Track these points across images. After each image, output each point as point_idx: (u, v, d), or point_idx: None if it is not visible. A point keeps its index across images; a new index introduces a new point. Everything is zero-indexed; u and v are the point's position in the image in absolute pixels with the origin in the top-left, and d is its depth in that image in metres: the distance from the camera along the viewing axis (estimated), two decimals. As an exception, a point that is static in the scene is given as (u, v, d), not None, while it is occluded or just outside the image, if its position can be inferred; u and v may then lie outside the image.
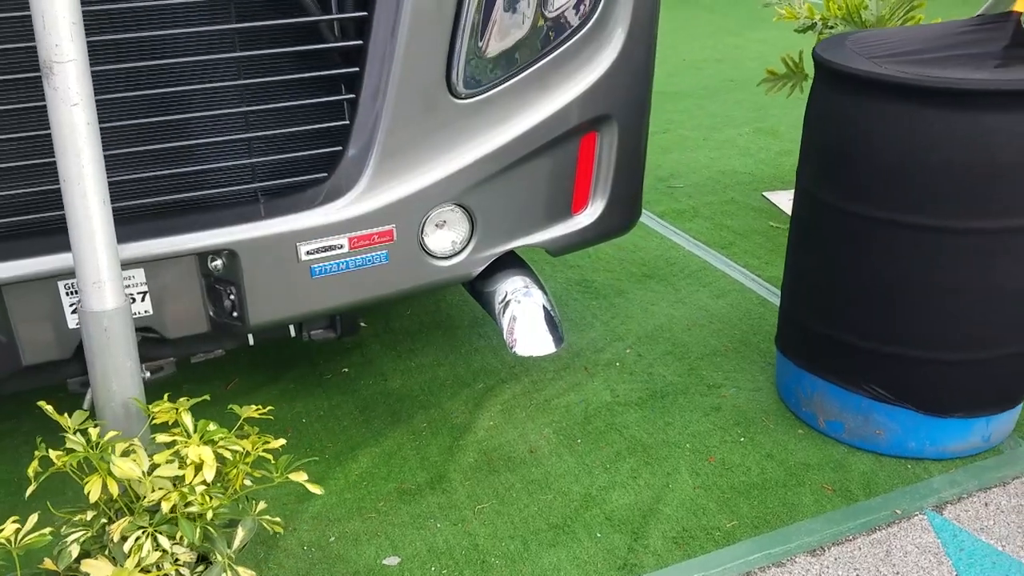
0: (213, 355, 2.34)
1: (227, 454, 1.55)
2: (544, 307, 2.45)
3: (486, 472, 2.50)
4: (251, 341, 2.35)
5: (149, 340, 2.19)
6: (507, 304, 2.44)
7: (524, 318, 2.42)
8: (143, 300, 2.09)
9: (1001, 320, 2.26)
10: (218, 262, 2.08)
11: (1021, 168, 2.07)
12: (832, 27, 3.83)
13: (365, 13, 2.07)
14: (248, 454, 1.57)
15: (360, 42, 2.10)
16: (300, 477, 1.57)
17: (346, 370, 3.01)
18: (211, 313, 2.15)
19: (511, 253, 2.52)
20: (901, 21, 3.52)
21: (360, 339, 3.20)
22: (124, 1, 1.90)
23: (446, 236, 2.34)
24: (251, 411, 1.62)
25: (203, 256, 2.08)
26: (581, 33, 2.30)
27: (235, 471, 1.58)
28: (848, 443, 2.54)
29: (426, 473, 2.50)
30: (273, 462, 1.62)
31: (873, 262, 2.28)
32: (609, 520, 2.31)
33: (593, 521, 2.31)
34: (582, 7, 2.28)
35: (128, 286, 2.07)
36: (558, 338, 2.43)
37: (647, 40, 2.41)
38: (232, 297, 2.11)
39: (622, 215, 2.64)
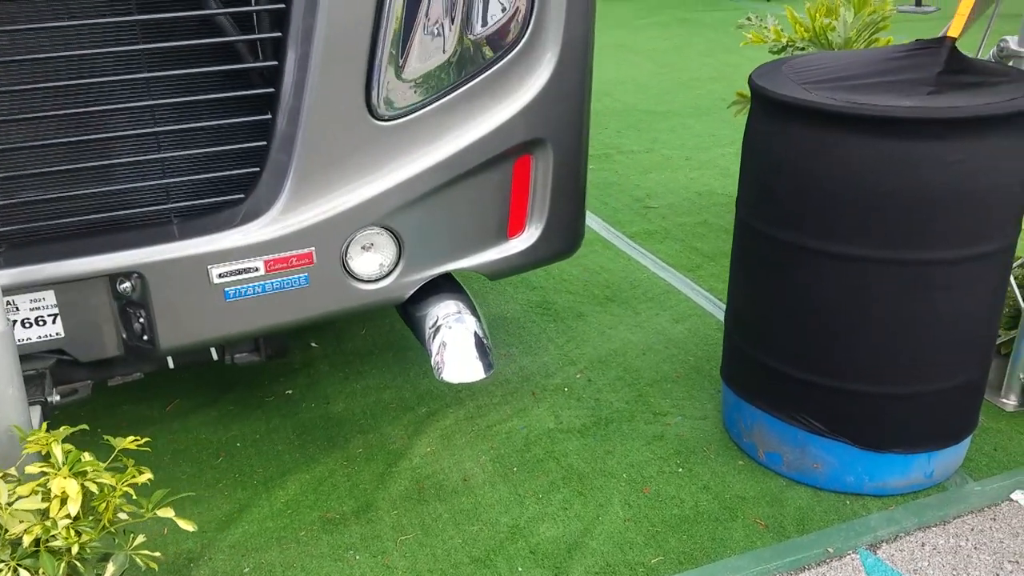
0: (131, 378, 2.31)
1: (93, 488, 1.51)
2: (475, 333, 2.39)
3: (415, 501, 2.45)
4: (171, 364, 2.31)
5: (63, 363, 2.15)
6: (438, 329, 2.38)
7: (453, 344, 2.36)
8: (54, 322, 2.06)
9: (937, 353, 2.19)
10: (127, 284, 2.05)
11: (951, 198, 2.01)
12: (803, 49, 3.77)
13: (279, 33, 2.04)
14: (115, 488, 1.52)
15: (275, 62, 2.06)
16: (168, 513, 1.53)
17: (289, 392, 2.96)
18: (123, 336, 2.12)
19: (446, 276, 2.48)
20: (867, 43, 3.46)
21: (309, 359, 3.16)
22: (24, 22, 1.88)
23: (373, 259, 2.30)
24: (126, 442, 1.58)
25: (113, 278, 2.05)
26: (509, 56, 2.26)
27: (103, 505, 1.53)
28: (787, 476, 2.47)
29: (354, 501, 2.45)
30: (136, 498, 1.57)
31: (804, 291, 2.21)
32: (533, 553, 2.25)
33: (517, 554, 2.25)
34: (509, 30, 2.24)
35: (38, 308, 2.04)
36: (487, 364, 2.37)
37: (581, 63, 2.37)
38: (142, 320, 2.08)
39: (561, 239, 2.59)
